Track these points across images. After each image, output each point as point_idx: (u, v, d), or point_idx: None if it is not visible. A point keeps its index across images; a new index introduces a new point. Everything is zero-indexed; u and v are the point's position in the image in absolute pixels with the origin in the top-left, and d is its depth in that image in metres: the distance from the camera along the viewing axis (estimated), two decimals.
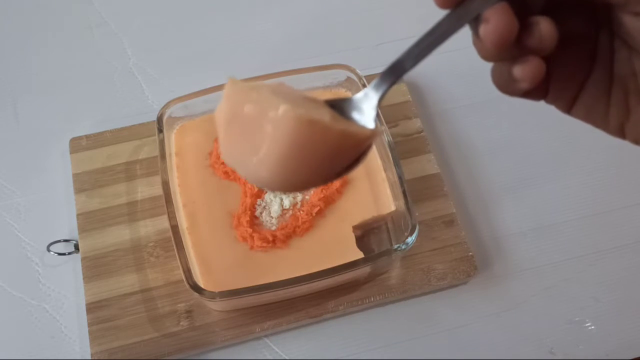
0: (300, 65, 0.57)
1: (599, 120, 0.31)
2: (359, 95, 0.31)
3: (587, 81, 0.31)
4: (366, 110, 0.31)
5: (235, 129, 0.30)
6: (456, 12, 0.27)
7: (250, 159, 0.29)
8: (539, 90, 0.31)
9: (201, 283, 0.49)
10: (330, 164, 0.29)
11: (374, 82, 0.31)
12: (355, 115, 0.31)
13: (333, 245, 0.52)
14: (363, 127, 0.30)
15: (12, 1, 0.71)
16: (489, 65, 0.30)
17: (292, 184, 0.29)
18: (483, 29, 0.26)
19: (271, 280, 0.48)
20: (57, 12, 0.70)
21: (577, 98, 0.31)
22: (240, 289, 0.49)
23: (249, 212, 0.53)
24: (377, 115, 0.31)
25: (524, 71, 0.27)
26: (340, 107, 0.31)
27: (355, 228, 0.54)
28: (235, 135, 0.30)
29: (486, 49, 0.27)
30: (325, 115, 0.29)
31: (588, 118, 0.31)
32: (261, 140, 0.28)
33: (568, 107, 0.31)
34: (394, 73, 0.30)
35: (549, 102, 0.32)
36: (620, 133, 0.31)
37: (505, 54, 0.28)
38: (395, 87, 0.63)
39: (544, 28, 0.26)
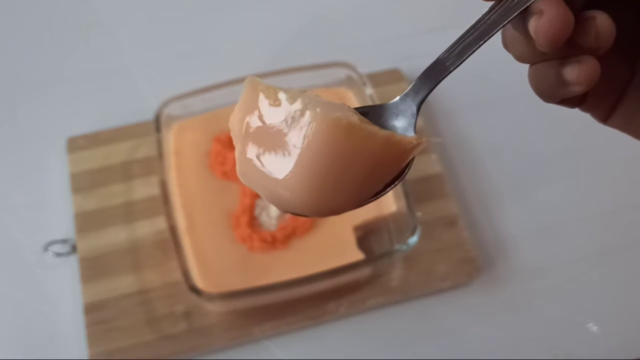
0: (299, 63, 0.57)
1: None
2: (395, 101, 0.27)
3: (629, 86, 0.28)
4: (404, 118, 0.27)
5: (256, 140, 0.25)
6: (503, 3, 0.24)
7: (275, 176, 0.24)
8: (577, 96, 0.28)
9: (200, 284, 0.49)
10: (371, 179, 0.25)
11: (412, 85, 0.27)
12: (392, 123, 0.27)
13: (333, 246, 0.52)
14: (406, 136, 0.26)
15: (7, 0, 0.70)
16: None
17: (326, 206, 0.25)
18: (535, 23, 0.23)
19: (271, 282, 0.48)
20: (52, 10, 0.70)
21: (616, 105, 0.28)
22: (239, 290, 0.48)
23: (248, 213, 0.53)
24: (416, 124, 0.27)
25: (580, 73, 0.24)
26: (373, 114, 0.27)
27: (355, 228, 0.53)
28: (255, 148, 0.25)
29: (534, 47, 0.24)
30: (364, 122, 0.25)
31: (628, 128, 0.28)
32: (290, 152, 0.24)
33: (606, 116, 0.29)
34: (434, 74, 0.26)
35: (585, 110, 0.29)
36: None
37: (555, 53, 0.25)
38: (396, 85, 0.64)
39: (602, 23, 0.24)
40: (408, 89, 0.27)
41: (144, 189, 0.57)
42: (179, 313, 0.52)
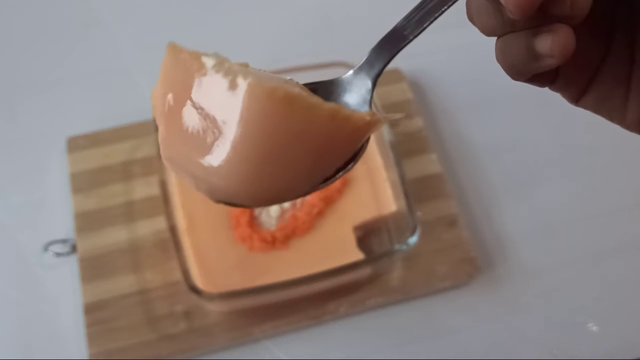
0: (300, 63, 0.57)
1: (615, 112, 0.26)
2: (347, 76, 0.25)
3: (603, 64, 0.25)
4: (358, 94, 0.24)
5: (181, 119, 0.21)
6: None
7: (205, 162, 0.21)
8: (548, 73, 0.25)
9: (200, 284, 0.49)
10: (319, 162, 0.22)
11: (366, 57, 0.24)
12: (345, 100, 0.24)
13: (333, 246, 0.52)
14: (357, 111, 0.23)
15: (6, 0, 0.70)
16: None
17: (266, 194, 0.21)
18: None
19: (271, 282, 0.48)
20: (52, 10, 0.70)
21: (589, 85, 0.26)
22: (239, 290, 0.48)
23: (248, 213, 0.53)
24: (371, 101, 0.24)
25: (553, 44, 0.22)
26: (323, 91, 0.24)
27: (355, 228, 0.53)
28: (181, 128, 0.21)
29: (503, 15, 0.22)
30: (306, 93, 0.22)
31: (601, 109, 0.26)
32: (221, 132, 0.20)
33: (577, 96, 0.26)
34: (392, 44, 0.24)
35: (555, 89, 0.26)
36: None
37: (526, 22, 0.22)
38: (395, 85, 0.64)
39: None
40: (362, 62, 0.24)
41: (144, 189, 0.57)
42: (179, 313, 0.52)
